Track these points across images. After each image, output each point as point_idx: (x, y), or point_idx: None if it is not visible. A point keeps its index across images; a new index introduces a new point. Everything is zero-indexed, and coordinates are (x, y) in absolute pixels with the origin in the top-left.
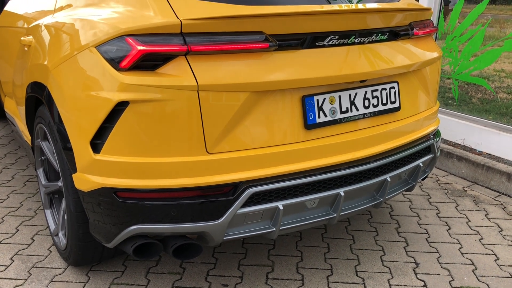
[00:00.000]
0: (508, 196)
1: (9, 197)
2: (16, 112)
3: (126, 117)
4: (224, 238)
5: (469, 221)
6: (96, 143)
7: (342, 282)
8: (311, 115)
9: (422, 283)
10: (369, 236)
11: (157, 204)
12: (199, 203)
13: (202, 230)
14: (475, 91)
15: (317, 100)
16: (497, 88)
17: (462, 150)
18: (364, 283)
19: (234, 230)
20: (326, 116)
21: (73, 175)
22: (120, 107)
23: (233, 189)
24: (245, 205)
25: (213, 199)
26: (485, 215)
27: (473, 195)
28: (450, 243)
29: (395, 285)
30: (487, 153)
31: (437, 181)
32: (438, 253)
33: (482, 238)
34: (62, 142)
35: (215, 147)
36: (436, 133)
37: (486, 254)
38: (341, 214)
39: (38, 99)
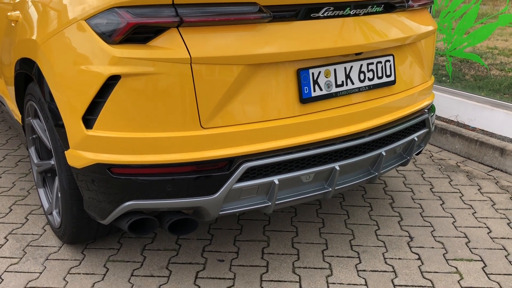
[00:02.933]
0: (501, 170)
1: (1, 177)
2: (6, 91)
3: (118, 91)
4: (220, 213)
5: (463, 195)
6: (88, 119)
7: (337, 256)
8: (306, 88)
9: (417, 256)
10: (364, 211)
11: (151, 180)
12: (194, 178)
13: (198, 205)
14: (468, 68)
15: (312, 73)
16: (490, 65)
17: (456, 126)
18: (359, 257)
19: (230, 204)
20: (321, 90)
21: (65, 152)
22: (111, 81)
23: (228, 164)
24: (240, 179)
25: (208, 174)
26: (478, 189)
27: (466, 170)
28: (444, 217)
29: (390, 258)
30: (480, 129)
31: (430, 157)
32: (432, 227)
33: (475, 212)
34: (54, 119)
35: (209, 122)
36: (431, 108)
37: (479, 227)
38: (336, 188)
39: (28, 76)
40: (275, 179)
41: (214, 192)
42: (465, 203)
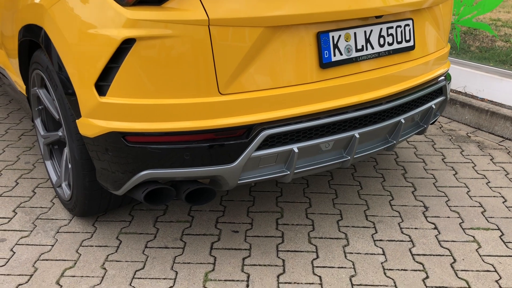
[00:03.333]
0: None
1: (4, 151)
2: (7, 63)
3: (133, 55)
4: (238, 182)
5: (475, 165)
6: (102, 85)
7: (352, 226)
8: (326, 53)
9: (433, 226)
10: (376, 182)
11: (168, 148)
12: (212, 147)
13: (216, 174)
14: (472, 39)
15: (333, 37)
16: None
17: (465, 97)
18: (375, 227)
19: (249, 173)
20: (341, 54)
21: (77, 121)
22: (126, 45)
23: (247, 131)
24: (259, 148)
25: (227, 142)
26: (491, 159)
27: (477, 140)
28: (458, 187)
29: (406, 228)
30: (488, 100)
31: (440, 127)
32: (447, 196)
33: (489, 182)
34: (64, 87)
35: (227, 88)
36: (447, 76)
37: (494, 196)
38: (355, 157)
39: (33, 43)
40: (295, 147)
41: (233, 160)
42: (478, 173)
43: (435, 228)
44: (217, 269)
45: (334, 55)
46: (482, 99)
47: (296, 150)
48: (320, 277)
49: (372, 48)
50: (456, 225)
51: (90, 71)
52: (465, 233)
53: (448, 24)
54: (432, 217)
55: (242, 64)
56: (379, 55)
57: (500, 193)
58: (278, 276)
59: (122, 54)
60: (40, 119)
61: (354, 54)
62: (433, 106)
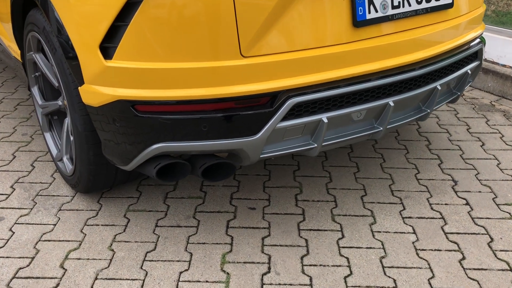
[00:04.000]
0: None
1: (0, 122)
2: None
3: (144, 11)
4: (261, 156)
5: (503, 136)
6: (107, 47)
7: (378, 203)
8: (360, 9)
9: (464, 201)
10: (399, 154)
11: (184, 119)
12: (233, 116)
13: (237, 147)
14: (487, 2)
15: None
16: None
17: (487, 63)
18: (402, 203)
19: (272, 146)
20: (376, 11)
21: (79, 88)
22: (135, 0)
23: (272, 99)
24: (285, 118)
25: (249, 111)
26: None
27: (502, 109)
28: (487, 159)
29: (436, 204)
30: (509, 67)
31: (462, 96)
32: (476, 170)
33: None
34: (64, 49)
35: (251, 49)
36: (481, 38)
37: None
38: (387, 127)
39: (27, 1)
40: (324, 117)
41: (256, 132)
42: (507, 144)
43: (467, 203)
44: (235, 250)
45: (369, 12)
46: (504, 65)
47: (326, 121)
48: (347, 258)
49: (409, 5)
50: (489, 201)
51: (94, 31)
52: (499, 209)
53: None
54: (463, 191)
55: (267, 22)
56: (416, 13)
57: None
58: (301, 258)
59: (131, 10)
60: (37, 87)
61: (390, 12)
62: (469, 72)
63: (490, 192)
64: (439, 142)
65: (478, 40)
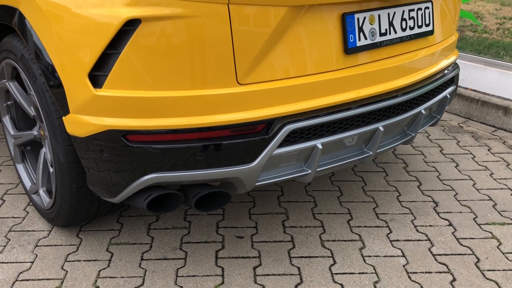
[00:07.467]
0: (505, 130)
1: None
2: None
3: (137, 39)
4: (256, 184)
5: (474, 156)
6: (97, 76)
7: (365, 226)
8: (351, 36)
9: (447, 222)
10: (379, 176)
11: (178, 148)
12: (229, 144)
13: (233, 175)
14: None
15: (358, 19)
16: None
17: None
18: (388, 226)
19: (267, 174)
20: (366, 38)
21: (63, 118)
22: (129, 27)
23: (268, 126)
24: (281, 145)
25: (245, 139)
26: (488, 150)
27: (470, 130)
28: (463, 179)
29: (420, 226)
30: (472, 89)
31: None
32: (454, 190)
33: (492, 173)
34: (47, 78)
35: (247, 77)
36: (456, 64)
37: (501, 189)
38: (377, 151)
39: (2, 28)
40: (318, 143)
41: (252, 160)
42: (479, 165)
43: (450, 224)
44: (227, 281)
45: (359, 39)
46: (466, 88)
47: (320, 146)
48: (342, 285)
49: (395, 32)
50: (470, 221)
51: (83, 59)
52: (481, 229)
53: (458, 9)
54: (444, 212)
55: (264, 49)
56: (401, 39)
57: (506, 185)
58: (296, 287)
59: (124, 38)
60: (9, 117)
61: (378, 39)
62: (448, 96)
63: (470, 212)
64: (416, 164)
65: (454, 65)
